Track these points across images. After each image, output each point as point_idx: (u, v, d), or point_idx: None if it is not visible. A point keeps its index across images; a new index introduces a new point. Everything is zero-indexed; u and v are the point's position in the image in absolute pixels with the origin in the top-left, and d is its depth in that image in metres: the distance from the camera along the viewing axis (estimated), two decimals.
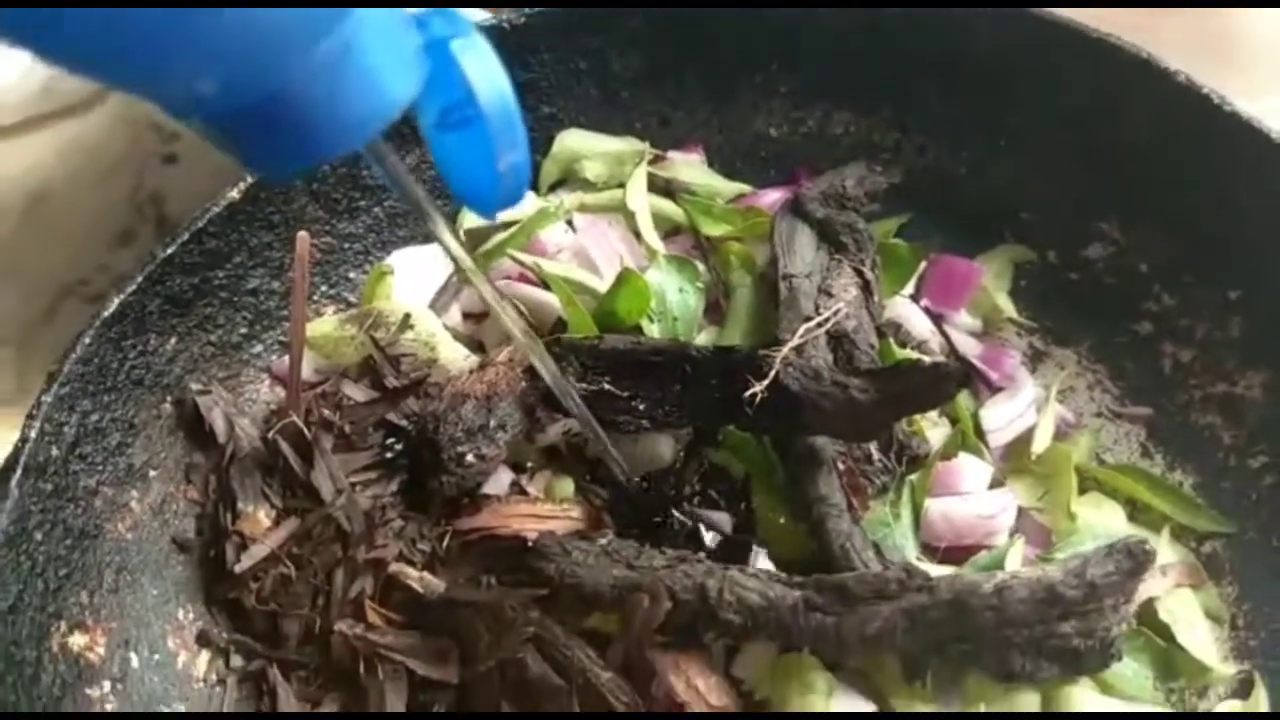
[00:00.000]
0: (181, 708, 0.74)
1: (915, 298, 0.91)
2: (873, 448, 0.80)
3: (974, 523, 0.80)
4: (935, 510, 0.80)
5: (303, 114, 0.42)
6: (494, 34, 0.83)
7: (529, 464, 0.83)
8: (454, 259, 0.61)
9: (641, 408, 0.77)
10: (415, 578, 0.75)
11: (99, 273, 1.02)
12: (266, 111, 0.41)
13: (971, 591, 0.67)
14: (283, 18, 0.39)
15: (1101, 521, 0.80)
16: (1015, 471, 0.85)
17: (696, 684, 0.71)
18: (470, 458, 0.76)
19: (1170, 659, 0.76)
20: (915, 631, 0.67)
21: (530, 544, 0.75)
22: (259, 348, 0.86)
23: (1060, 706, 0.72)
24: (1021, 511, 0.82)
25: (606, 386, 0.77)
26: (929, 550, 0.80)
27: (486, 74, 0.50)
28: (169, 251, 0.77)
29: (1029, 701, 0.72)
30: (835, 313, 0.81)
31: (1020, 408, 0.85)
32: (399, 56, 0.45)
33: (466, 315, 0.90)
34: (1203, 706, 0.76)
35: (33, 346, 0.97)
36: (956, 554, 0.79)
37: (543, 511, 0.78)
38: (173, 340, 0.79)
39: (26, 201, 1.07)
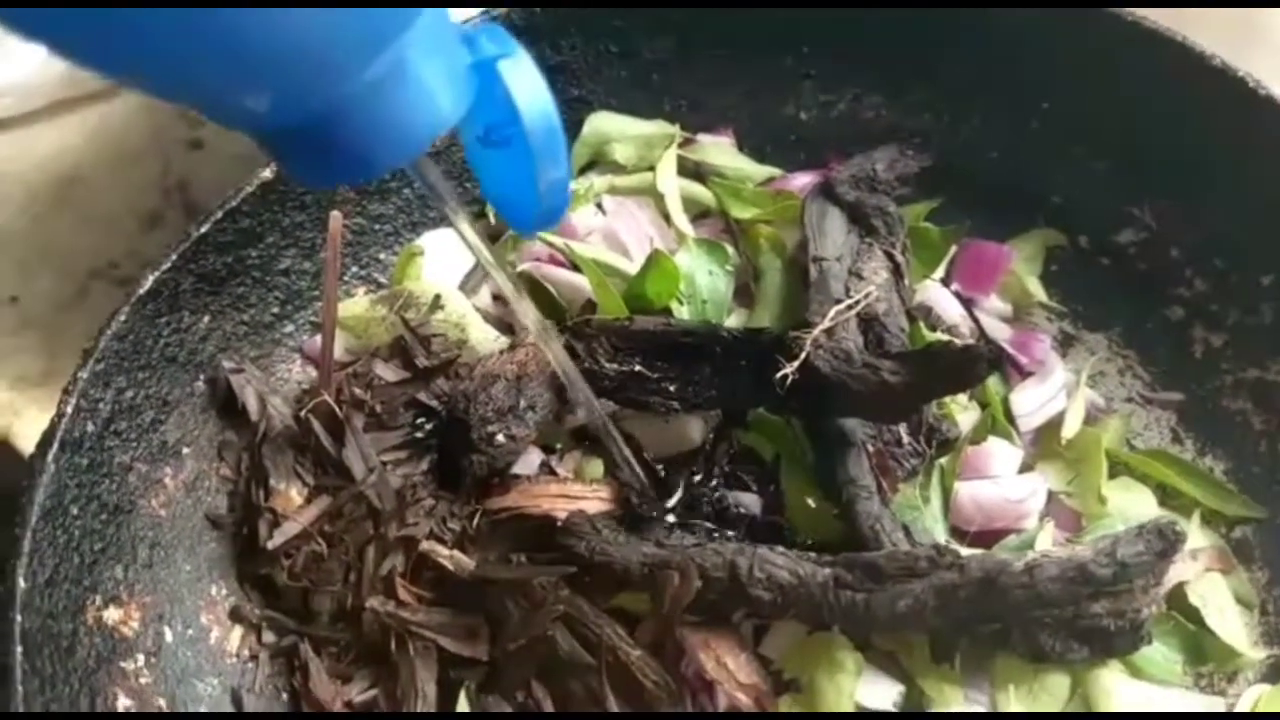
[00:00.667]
0: (215, 682, 0.74)
1: (946, 282, 0.91)
2: (903, 431, 0.80)
3: (1003, 506, 0.79)
4: (965, 494, 0.80)
5: (352, 131, 0.43)
6: (525, 16, 0.85)
7: (558, 445, 0.83)
8: (473, 250, 0.61)
9: (672, 389, 0.78)
10: (446, 555, 0.75)
11: (128, 257, 1.02)
12: (316, 128, 0.42)
13: (1002, 569, 0.67)
14: (338, 37, 0.39)
15: (1131, 506, 0.80)
16: (1045, 456, 0.84)
17: (726, 662, 0.71)
18: (500, 437, 0.77)
19: (1199, 643, 0.76)
20: (945, 609, 0.67)
21: (560, 523, 0.75)
22: (291, 327, 0.86)
23: (1089, 688, 0.72)
24: (1051, 496, 0.82)
25: (638, 368, 0.78)
26: (958, 534, 0.80)
27: (531, 94, 0.51)
28: (203, 230, 0.78)
29: (1058, 683, 0.72)
30: (866, 295, 0.81)
31: (1050, 392, 0.85)
32: (449, 75, 0.46)
33: (496, 297, 0.90)
34: (1231, 691, 0.76)
35: (62, 329, 0.97)
36: (986, 538, 0.79)
37: (572, 491, 0.78)
38: (206, 319, 0.80)
39: (55, 185, 1.08)
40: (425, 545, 0.76)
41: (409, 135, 0.45)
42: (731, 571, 0.71)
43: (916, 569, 0.68)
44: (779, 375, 0.74)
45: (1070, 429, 0.84)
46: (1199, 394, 0.86)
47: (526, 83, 0.51)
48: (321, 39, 0.39)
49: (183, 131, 1.10)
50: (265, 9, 0.36)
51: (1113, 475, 0.82)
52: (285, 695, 0.76)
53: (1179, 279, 0.88)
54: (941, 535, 0.79)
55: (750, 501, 0.80)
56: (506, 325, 0.88)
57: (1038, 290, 0.91)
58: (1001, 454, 0.82)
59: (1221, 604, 0.77)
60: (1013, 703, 0.71)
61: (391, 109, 0.43)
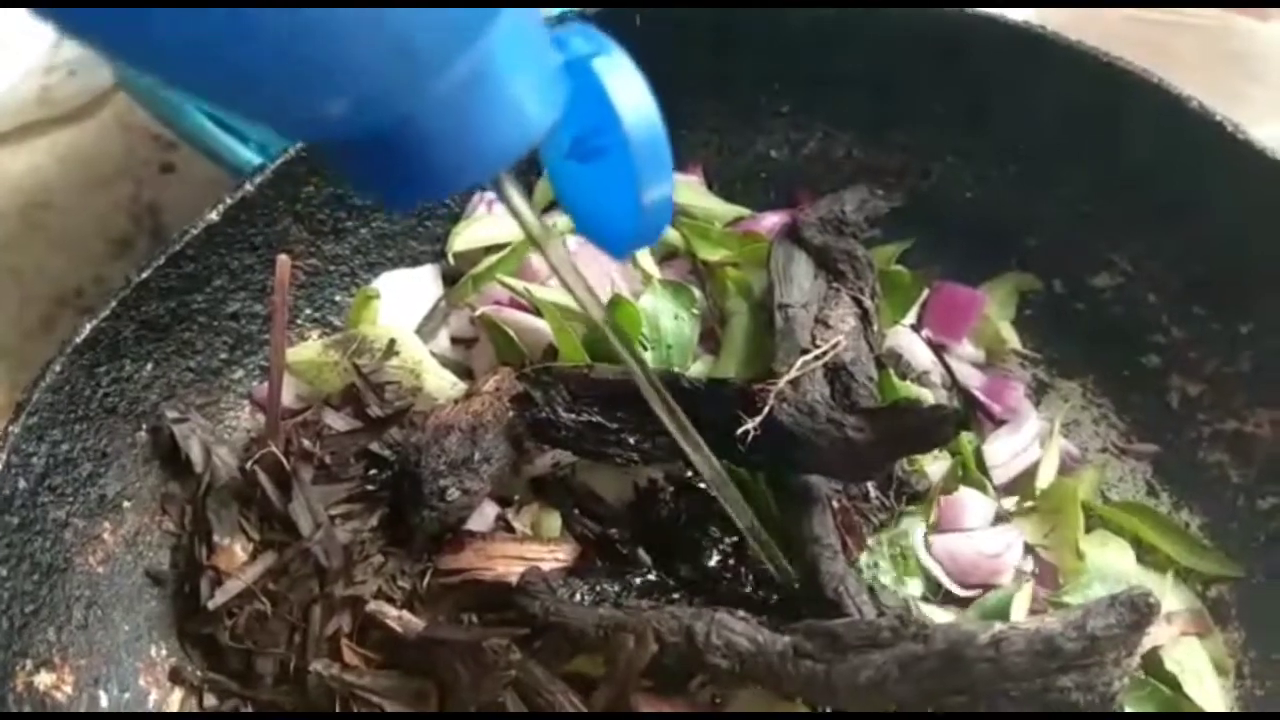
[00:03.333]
0: None
1: (917, 327, 0.89)
2: (870, 485, 0.78)
3: (978, 561, 0.78)
4: (939, 548, 0.78)
5: (433, 142, 0.39)
6: None
7: (515, 497, 0.81)
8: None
9: (632, 440, 0.75)
10: (394, 616, 0.73)
11: (94, 284, 1.01)
12: (394, 137, 0.38)
13: (967, 642, 0.64)
14: (419, 28, 0.35)
15: (1108, 561, 0.78)
16: (1020, 508, 0.82)
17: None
18: (453, 492, 0.74)
19: (1177, 709, 0.73)
20: (908, 681, 0.64)
21: (516, 582, 0.72)
22: (240, 373, 0.83)
23: None
24: (1028, 548, 0.80)
25: (596, 418, 0.75)
26: (933, 589, 0.78)
27: (634, 97, 0.46)
28: (144, 276, 0.75)
29: None
30: (833, 345, 0.79)
31: (1024, 442, 0.83)
32: (540, 77, 0.41)
33: (455, 340, 0.88)
34: None
35: (26, 359, 0.95)
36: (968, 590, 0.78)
37: (529, 553, 0.75)
38: (149, 366, 0.77)
39: (24, 207, 1.06)
40: (372, 606, 0.73)
41: (496, 146, 0.40)
42: (688, 636, 0.68)
43: (879, 640, 0.66)
44: (740, 431, 0.71)
45: (1045, 479, 0.82)
46: (1175, 445, 0.84)
47: (627, 84, 0.46)
48: (401, 31, 0.35)
49: (154, 154, 1.08)
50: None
51: (1089, 529, 0.80)
52: None
53: (1156, 326, 0.85)
54: (917, 591, 0.77)
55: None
56: (465, 370, 0.86)
57: (1011, 336, 0.89)
58: (974, 506, 0.80)
59: (1199, 670, 0.75)
60: None
61: (476, 116, 0.39)
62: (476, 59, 0.37)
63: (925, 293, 0.89)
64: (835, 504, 0.76)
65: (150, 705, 0.73)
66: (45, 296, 1.00)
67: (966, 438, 0.82)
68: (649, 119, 0.46)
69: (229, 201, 0.77)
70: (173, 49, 0.32)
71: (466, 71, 0.37)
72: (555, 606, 0.71)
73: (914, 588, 0.77)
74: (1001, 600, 0.76)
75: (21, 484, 0.69)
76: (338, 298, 0.88)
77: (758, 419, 0.71)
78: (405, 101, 0.37)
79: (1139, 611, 0.65)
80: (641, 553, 0.77)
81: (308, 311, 0.87)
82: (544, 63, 0.42)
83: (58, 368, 0.71)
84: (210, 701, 0.74)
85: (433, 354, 0.85)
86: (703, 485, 0.78)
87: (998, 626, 0.65)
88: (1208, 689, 0.74)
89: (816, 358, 0.78)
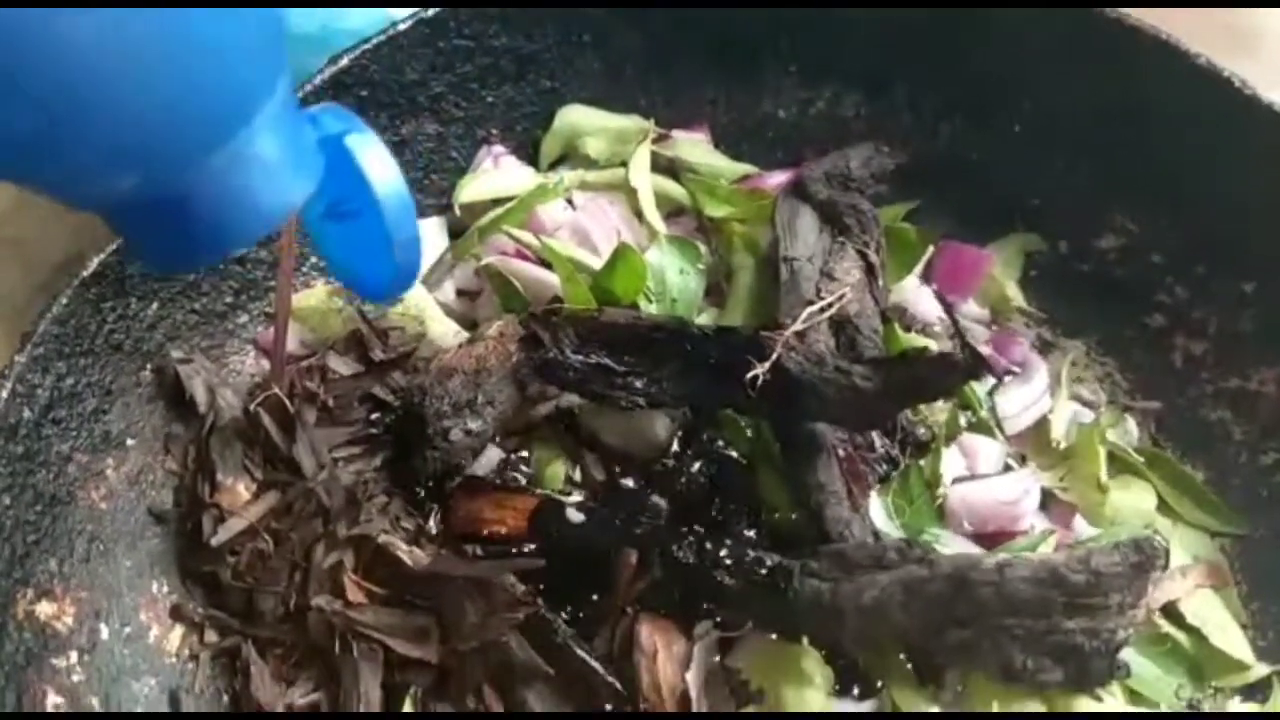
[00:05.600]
0: (152, 682, 0.71)
1: (923, 284, 0.89)
2: (875, 434, 0.79)
3: (996, 508, 0.77)
4: (955, 496, 0.78)
5: (205, 211, 0.43)
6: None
7: (520, 441, 0.81)
8: None
9: (638, 384, 0.75)
10: (404, 549, 0.73)
11: (97, 251, 1.00)
12: (171, 210, 0.42)
13: (972, 566, 0.65)
14: (194, 112, 0.39)
15: (1130, 502, 0.78)
16: (1035, 458, 0.83)
17: (660, 647, 0.70)
18: (456, 433, 0.74)
19: (1200, 661, 0.74)
20: (912, 606, 0.65)
21: (534, 509, 0.74)
22: (244, 318, 0.83)
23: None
24: (1045, 494, 0.80)
25: (604, 360, 0.75)
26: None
27: (383, 168, 0.52)
28: None
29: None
30: (839, 297, 0.79)
31: (1035, 393, 0.83)
32: (298, 153, 0.46)
33: (461, 292, 0.87)
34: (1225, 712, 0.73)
35: (26, 324, 0.94)
36: (983, 543, 0.77)
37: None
38: (154, 305, 0.77)
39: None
40: (384, 539, 0.73)
41: (261, 213, 0.45)
42: (699, 554, 0.69)
43: (885, 560, 0.67)
44: (749, 376, 0.71)
45: (1059, 428, 0.82)
46: (1178, 403, 0.85)
47: (376, 157, 0.52)
48: (179, 115, 0.39)
49: None
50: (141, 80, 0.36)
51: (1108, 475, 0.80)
52: (226, 697, 0.73)
53: (1160, 285, 0.86)
54: (939, 540, 0.77)
55: None
56: (470, 322, 0.85)
57: (1016, 295, 0.89)
58: (986, 452, 0.81)
59: (1221, 620, 0.75)
60: None
61: (244, 189, 0.44)
62: (244, 139, 0.42)
63: (931, 251, 0.89)
64: (841, 452, 0.76)
65: (151, 640, 0.72)
66: (47, 263, 0.99)
67: (974, 388, 0.82)
68: (396, 186, 0.53)
69: None
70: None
71: (235, 150, 0.42)
72: (569, 530, 0.73)
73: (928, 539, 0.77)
74: (1023, 549, 0.76)
75: (26, 414, 0.69)
76: None
77: (766, 364, 0.71)
78: (181, 178, 0.41)
79: (1143, 553, 0.66)
80: (656, 498, 0.78)
81: (313, 260, 0.86)
82: (301, 141, 0.47)
83: (64, 300, 0.71)
84: (211, 638, 0.74)
85: (438, 304, 0.85)
86: (732, 453, 0.79)
87: (1002, 555, 0.66)
88: (1233, 638, 0.74)
89: (821, 309, 0.77)
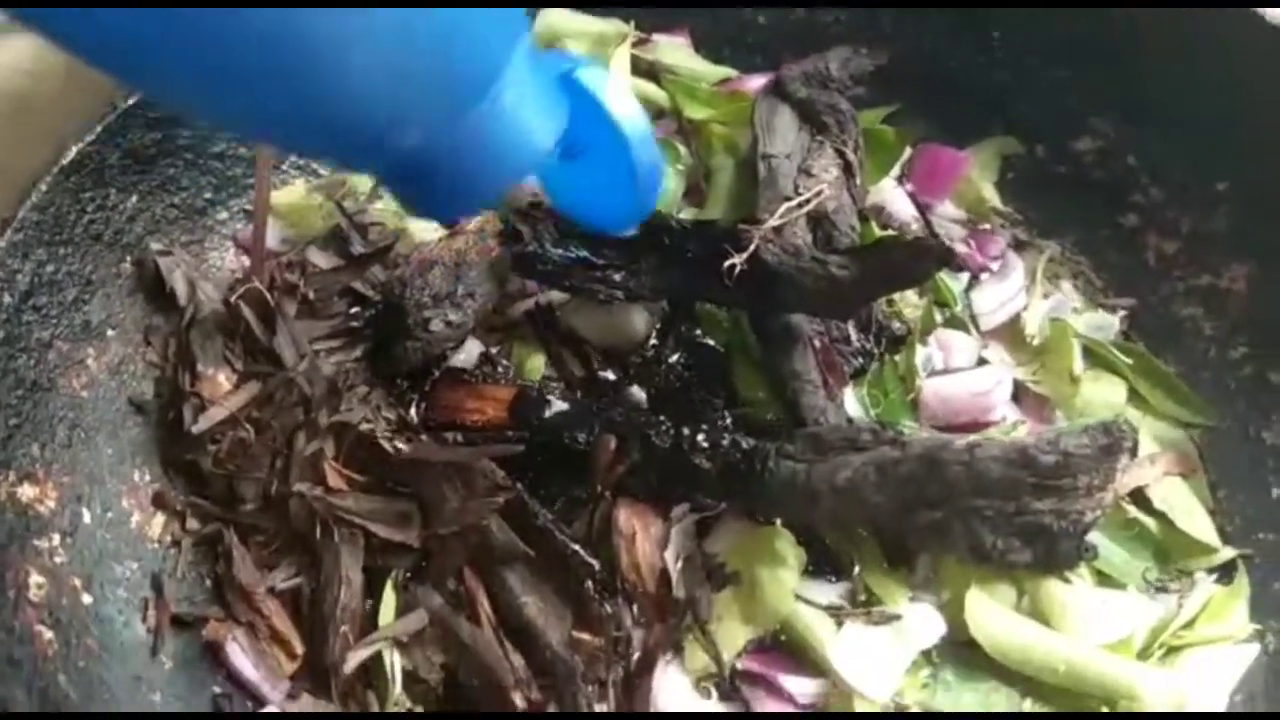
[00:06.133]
0: (134, 566, 0.72)
1: (901, 184, 0.89)
2: (851, 328, 0.79)
3: (968, 399, 0.78)
4: (929, 389, 0.79)
5: (469, 163, 0.45)
6: None
7: (500, 338, 0.81)
8: None
9: (617, 278, 0.76)
10: (386, 437, 0.73)
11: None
12: (434, 165, 0.44)
13: (942, 446, 0.65)
14: (456, 76, 0.42)
15: (1101, 394, 0.79)
16: (1010, 353, 0.84)
17: (638, 530, 0.71)
18: (436, 323, 0.75)
19: (1166, 545, 0.75)
20: (885, 486, 0.66)
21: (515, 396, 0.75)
22: (224, 214, 0.83)
23: (1037, 597, 0.70)
24: (1018, 388, 0.81)
25: (582, 254, 0.75)
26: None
27: (622, 99, 0.54)
28: (130, 102, 0.75)
29: (1006, 595, 0.70)
30: (816, 193, 0.79)
31: (1011, 290, 0.84)
32: (544, 99, 0.47)
33: None
34: (1191, 593, 0.74)
35: None
36: (955, 434, 0.77)
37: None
38: (134, 198, 0.77)
39: (7, 103, 1.04)
40: (364, 427, 0.73)
41: (518, 159, 0.47)
42: (675, 439, 0.70)
43: (859, 442, 0.67)
44: (727, 266, 0.72)
45: (1034, 324, 0.83)
46: (1151, 300, 0.86)
47: (614, 90, 0.53)
48: (449, 76, 0.41)
49: None
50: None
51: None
52: (208, 582, 0.74)
53: (1135, 186, 0.87)
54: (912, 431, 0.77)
55: None
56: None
57: (992, 196, 0.90)
58: (960, 346, 0.81)
59: (1188, 506, 0.76)
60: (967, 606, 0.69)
61: (502, 136, 0.45)
62: (497, 93, 0.44)
63: (909, 153, 0.90)
64: (817, 343, 0.77)
65: (133, 526, 0.73)
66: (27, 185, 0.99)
67: (948, 282, 0.83)
68: (638, 117, 0.54)
69: None
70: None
71: (490, 104, 0.44)
72: (551, 416, 0.73)
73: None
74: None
75: (6, 299, 0.69)
76: None
77: (744, 255, 0.72)
78: (447, 135, 0.43)
79: (1112, 435, 0.66)
80: (634, 389, 0.78)
81: (292, 158, 0.86)
82: (544, 85, 0.48)
83: (43, 187, 0.72)
84: (193, 524, 0.74)
85: None
86: (709, 343, 0.80)
87: (973, 437, 0.67)
88: (1199, 522, 0.75)
89: (799, 205, 0.78)
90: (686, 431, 0.71)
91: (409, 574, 0.72)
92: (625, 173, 0.56)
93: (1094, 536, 0.70)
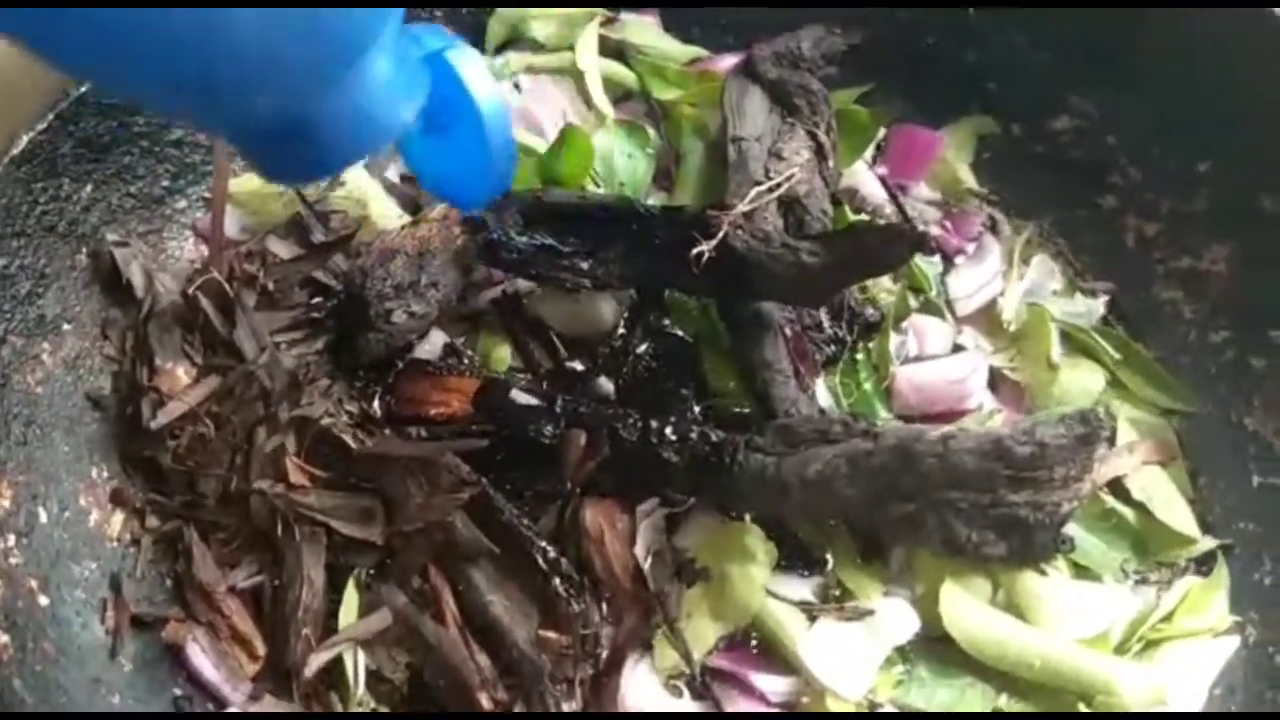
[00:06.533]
0: (93, 565, 0.70)
1: (874, 166, 0.88)
2: (823, 315, 0.78)
3: (943, 387, 0.77)
4: (902, 377, 0.78)
5: (331, 129, 0.46)
6: None
7: (466, 328, 0.80)
8: None
9: (583, 266, 0.74)
10: (348, 432, 0.72)
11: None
12: (295, 129, 0.45)
13: (915, 438, 0.64)
14: (329, 35, 0.42)
15: (1078, 381, 0.78)
16: (986, 339, 0.82)
17: (605, 527, 0.70)
18: (399, 315, 0.73)
19: (1145, 536, 0.74)
20: (856, 478, 0.64)
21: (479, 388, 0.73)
22: (183, 203, 0.81)
23: (1013, 590, 0.69)
24: (994, 375, 0.80)
25: (548, 241, 0.74)
26: (905, 421, 0.77)
27: (483, 81, 0.54)
28: (82, 89, 0.72)
29: (981, 588, 0.70)
30: (787, 177, 0.78)
31: (988, 274, 0.83)
32: (409, 72, 0.48)
33: (405, 176, 0.86)
34: (1170, 585, 0.74)
35: None
36: (930, 424, 0.75)
37: None
38: (88, 187, 0.75)
39: None
40: (325, 421, 0.72)
41: (378, 129, 0.48)
42: (643, 432, 0.69)
43: (830, 434, 0.66)
44: (694, 253, 0.70)
45: (1010, 309, 0.82)
46: (1130, 283, 0.85)
47: (476, 71, 0.54)
48: (316, 37, 0.41)
49: None
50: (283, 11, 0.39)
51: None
52: (169, 581, 0.72)
53: (1114, 167, 0.85)
54: (883, 418, 0.77)
55: None
56: (414, 206, 0.84)
57: (968, 177, 0.88)
58: (935, 332, 0.80)
59: (1167, 495, 0.75)
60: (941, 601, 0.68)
61: (366, 106, 0.46)
62: (367, 63, 0.45)
63: (883, 133, 0.88)
64: (788, 331, 0.75)
65: (91, 524, 0.71)
66: None
67: (922, 267, 0.82)
68: (497, 98, 0.55)
69: None
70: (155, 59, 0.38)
71: (359, 73, 0.44)
72: (516, 412, 0.72)
73: (880, 417, 0.77)
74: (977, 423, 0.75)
75: None
76: None
77: (713, 242, 0.70)
78: (311, 102, 0.44)
79: (1089, 425, 0.65)
80: (602, 381, 0.77)
81: None
82: (410, 60, 0.49)
83: None
84: (152, 522, 0.73)
85: (382, 188, 0.83)
86: (678, 333, 0.79)
87: (947, 428, 0.65)
88: (1178, 513, 0.74)
89: (770, 189, 0.77)
90: (654, 424, 0.69)
91: (372, 572, 0.71)
92: (478, 150, 0.57)
93: (1071, 528, 0.69)
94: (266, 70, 0.40)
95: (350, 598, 0.69)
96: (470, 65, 0.54)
